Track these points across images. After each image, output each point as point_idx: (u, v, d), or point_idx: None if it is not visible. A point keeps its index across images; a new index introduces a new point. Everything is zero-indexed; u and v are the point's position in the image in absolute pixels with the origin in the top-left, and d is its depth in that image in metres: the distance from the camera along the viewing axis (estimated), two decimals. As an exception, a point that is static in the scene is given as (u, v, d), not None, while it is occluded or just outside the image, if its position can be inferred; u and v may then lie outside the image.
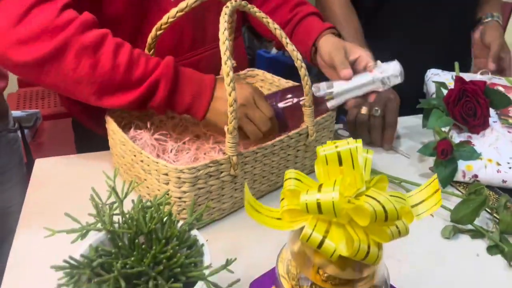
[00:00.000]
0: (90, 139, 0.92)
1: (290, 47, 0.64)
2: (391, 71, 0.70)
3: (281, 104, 0.74)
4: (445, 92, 0.86)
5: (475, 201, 0.68)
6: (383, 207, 0.35)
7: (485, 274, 0.62)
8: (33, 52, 0.60)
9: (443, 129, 0.81)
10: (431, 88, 0.96)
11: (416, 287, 0.52)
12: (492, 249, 0.65)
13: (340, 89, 0.73)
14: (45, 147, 1.74)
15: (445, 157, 0.75)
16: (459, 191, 0.77)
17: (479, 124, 0.83)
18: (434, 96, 0.91)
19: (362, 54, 0.75)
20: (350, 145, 0.41)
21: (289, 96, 0.75)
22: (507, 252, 0.63)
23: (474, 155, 0.78)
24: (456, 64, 0.99)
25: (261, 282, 0.49)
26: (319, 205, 0.37)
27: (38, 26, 0.60)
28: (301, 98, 0.73)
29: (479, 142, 0.81)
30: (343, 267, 0.40)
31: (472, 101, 0.83)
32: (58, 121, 1.87)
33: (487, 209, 0.71)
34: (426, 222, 0.70)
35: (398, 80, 0.71)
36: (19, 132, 1.02)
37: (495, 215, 0.70)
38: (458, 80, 0.85)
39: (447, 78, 0.97)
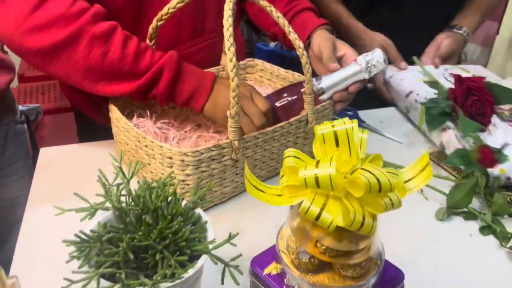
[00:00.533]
0: (93, 130, 0.94)
1: (293, 36, 0.66)
2: (376, 58, 0.73)
3: (276, 104, 0.77)
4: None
5: (468, 184, 0.70)
6: (377, 179, 0.38)
7: (477, 254, 0.64)
8: (47, 38, 0.63)
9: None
10: (402, 87, 0.96)
11: (411, 265, 0.54)
12: (485, 230, 0.67)
13: (329, 82, 0.75)
14: (46, 141, 1.76)
15: (492, 165, 0.72)
16: (453, 175, 0.79)
17: (487, 122, 0.81)
18: (412, 95, 0.92)
19: (348, 52, 0.79)
20: (347, 125, 0.43)
21: (284, 95, 0.77)
22: (499, 232, 0.66)
23: (503, 157, 0.74)
24: (415, 58, 1.02)
25: (262, 258, 0.51)
26: (317, 180, 0.39)
27: (53, 14, 0.63)
28: (294, 97, 0.76)
29: (489, 140, 0.78)
30: (339, 239, 0.42)
31: (480, 99, 0.82)
32: (59, 115, 1.90)
33: (478, 191, 0.73)
34: (421, 206, 0.72)
35: (383, 66, 0.74)
36: (25, 125, 1.04)
37: (487, 197, 0.72)
38: (458, 79, 0.84)
39: (414, 75, 0.98)
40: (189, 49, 0.86)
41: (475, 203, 0.72)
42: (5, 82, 0.93)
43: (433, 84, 0.91)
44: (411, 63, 1.03)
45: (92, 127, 0.94)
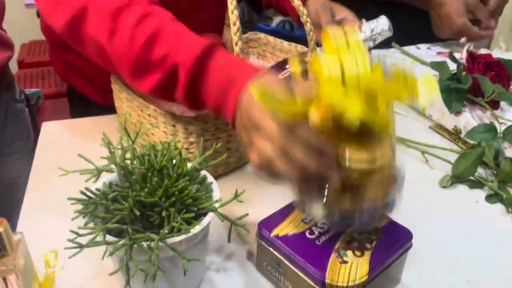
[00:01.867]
0: (86, 110, 0.91)
1: (297, 2, 0.65)
2: (380, 25, 0.72)
3: (279, 75, 0.76)
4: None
5: (473, 153, 0.70)
6: (403, 71, 0.40)
7: (483, 219, 0.64)
8: (61, 17, 0.55)
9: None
10: None
11: (418, 229, 0.54)
12: (492, 198, 0.67)
13: None
14: (47, 125, 1.75)
15: None
16: (459, 146, 0.78)
17: None
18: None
19: (347, 15, 0.78)
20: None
21: (287, 66, 0.76)
22: (505, 198, 0.65)
23: None
24: (395, 44, 1.00)
25: (269, 221, 0.50)
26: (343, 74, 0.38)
27: None
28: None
29: (505, 115, 0.77)
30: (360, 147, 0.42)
31: (499, 74, 0.80)
32: (58, 100, 1.89)
33: (486, 161, 0.73)
34: (428, 175, 0.72)
35: (388, 33, 0.73)
36: (25, 104, 1.03)
37: (495, 168, 0.72)
38: (470, 56, 0.82)
39: (404, 58, 0.95)
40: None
41: (480, 173, 0.72)
42: (5, 58, 0.92)
43: (437, 65, 0.87)
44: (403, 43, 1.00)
45: (85, 107, 0.92)
